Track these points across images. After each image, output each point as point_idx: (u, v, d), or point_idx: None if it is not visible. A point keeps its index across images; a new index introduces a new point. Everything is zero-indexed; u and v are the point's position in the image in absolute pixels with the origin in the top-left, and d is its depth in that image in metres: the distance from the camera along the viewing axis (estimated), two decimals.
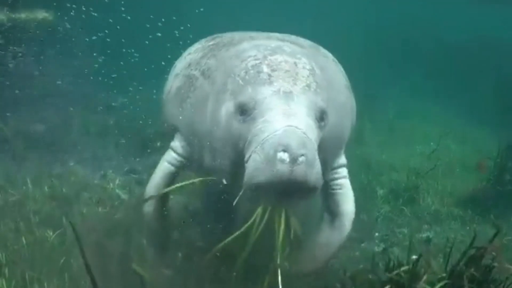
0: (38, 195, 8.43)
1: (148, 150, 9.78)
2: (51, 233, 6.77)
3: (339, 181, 5.19)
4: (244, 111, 4.16)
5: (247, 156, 4.01)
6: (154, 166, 9.49)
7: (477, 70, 19.91)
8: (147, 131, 10.74)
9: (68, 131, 11.47)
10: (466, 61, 20.57)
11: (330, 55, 5.47)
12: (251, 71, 4.25)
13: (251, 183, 3.86)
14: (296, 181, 3.72)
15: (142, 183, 9.06)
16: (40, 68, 12.23)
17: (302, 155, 3.71)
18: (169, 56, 6.16)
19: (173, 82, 5.32)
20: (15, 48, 11.83)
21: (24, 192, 8.55)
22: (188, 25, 7.72)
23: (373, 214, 8.64)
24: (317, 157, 3.90)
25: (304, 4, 27.44)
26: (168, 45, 7.27)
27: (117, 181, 9.17)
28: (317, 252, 5.26)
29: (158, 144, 8.72)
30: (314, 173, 3.81)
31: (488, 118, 15.94)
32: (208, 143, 4.62)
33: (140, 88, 10.79)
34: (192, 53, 5.36)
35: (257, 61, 4.30)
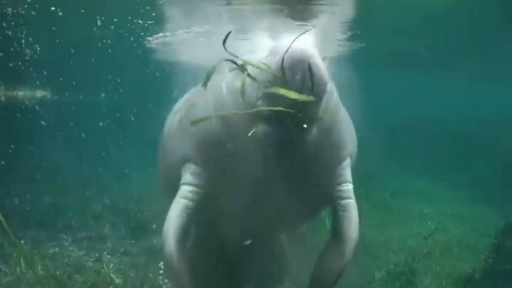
0: (31, 277, 8.32)
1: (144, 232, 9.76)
2: None
3: (343, 202, 5.00)
4: (243, 68, 4.20)
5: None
6: (150, 248, 9.51)
7: (474, 147, 20.07)
8: (143, 212, 10.74)
9: (64, 211, 11.46)
10: (462, 138, 20.78)
11: None
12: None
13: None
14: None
15: (137, 266, 9.01)
16: (37, 146, 12.35)
17: None
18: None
19: (173, 118, 5.40)
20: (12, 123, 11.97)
21: (18, 273, 8.46)
22: None
23: None
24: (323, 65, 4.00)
25: None
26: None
27: (111, 265, 9.07)
28: (319, 276, 5.11)
29: (154, 226, 8.74)
30: (322, 75, 3.95)
31: (486, 196, 15.93)
32: (224, 129, 4.57)
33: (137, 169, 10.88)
34: (191, 93, 5.50)
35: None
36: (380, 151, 17.75)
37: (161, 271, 8.01)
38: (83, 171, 13.45)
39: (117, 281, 8.30)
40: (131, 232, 10.62)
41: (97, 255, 9.75)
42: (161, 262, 8.11)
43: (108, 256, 9.72)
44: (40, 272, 8.64)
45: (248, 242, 5.28)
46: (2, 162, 11.26)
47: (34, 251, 9.56)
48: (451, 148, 20.57)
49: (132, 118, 15.87)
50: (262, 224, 5.21)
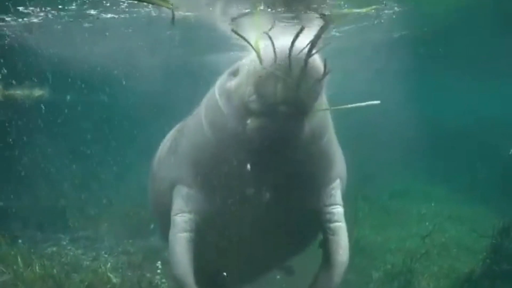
0: (28, 275, 8.34)
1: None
2: None
3: (332, 225, 4.90)
4: (236, 71, 4.22)
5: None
6: (147, 248, 9.52)
7: (473, 149, 20.06)
8: (140, 213, 10.75)
9: (62, 210, 11.47)
10: (461, 140, 20.76)
11: None
12: None
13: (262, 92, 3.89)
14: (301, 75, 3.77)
15: (134, 265, 9.02)
16: (36, 146, 12.33)
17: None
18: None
19: (163, 147, 5.41)
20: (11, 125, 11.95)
21: (15, 272, 8.46)
22: None
23: None
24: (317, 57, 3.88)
25: None
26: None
27: (108, 264, 9.08)
28: None
29: (151, 226, 8.72)
30: (316, 65, 3.83)
31: (483, 198, 15.93)
32: (213, 140, 4.52)
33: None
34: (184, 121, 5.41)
35: None
36: (379, 155, 17.82)
37: (158, 271, 8.00)
38: (80, 172, 13.45)
39: (114, 280, 8.30)
40: (128, 232, 10.61)
41: (94, 254, 9.77)
42: (158, 262, 8.15)
43: (106, 256, 9.74)
44: (38, 271, 8.66)
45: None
46: (0, 162, 11.27)
47: (32, 250, 9.58)
48: (451, 149, 20.58)
49: (130, 119, 15.91)
50: (256, 243, 5.13)
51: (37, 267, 8.77)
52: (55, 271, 8.63)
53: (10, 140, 11.59)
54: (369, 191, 14.76)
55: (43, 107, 12.66)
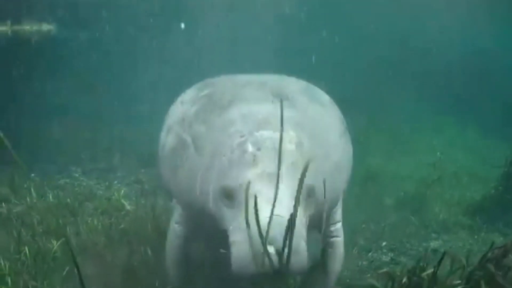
0: (42, 205, 8.39)
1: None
2: (54, 243, 6.67)
3: (331, 240, 5.16)
4: (230, 196, 4.11)
5: (232, 239, 3.99)
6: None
7: (484, 80, 19.86)
8: (151, 143, 10.71)
9: (74, 143, 11.46)
10: (473, 72, 20.52)
11: (323, 98, 5.35)
12: (236, 151, 4.20)
13: (236, 272, 3.86)
14: (282, 271, 3.74)
15: (147, 193, 9.05)
16: (48, 80, 12.26)
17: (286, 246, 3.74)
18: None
19: (167, 138, 5.21)
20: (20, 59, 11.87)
21: (28, 203, 8.53)
22: None
23: (380, 224, 8.56)
24: (302, 242, 3.87)
25: None
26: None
27: (122, 192, 9.12)
28: None
29: None
30: (299, 260, 3.81)
31: (495, 129, 15.83)
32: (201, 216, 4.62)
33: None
34: (185, 104, 5.25)
35: (243, 139, 4.25)
36: (390, 85, 17.68)
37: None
38: (92, 105, 13.39)
39: (128, 207, 8.35)
40: (140, 163, 10.63)
41: (107, 184, 9.82)
42: None
43: (119, 185, 9.78)
44: (51, 200, 8.72)
45: None
46: (11, 97, 11.23)
47: (45, 183, 9.62)
48: (462, 82, 20.36)
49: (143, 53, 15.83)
50: None
51: (50, 197, 8.86)
52: (68, 200, 8.68)
53: (19, 73, 11.54)
54: (379, 121, 14.71)
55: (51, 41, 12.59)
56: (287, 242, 3.68)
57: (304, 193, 3.98)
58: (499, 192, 9.43)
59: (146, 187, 9.62)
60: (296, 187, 3.84)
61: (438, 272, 4.16)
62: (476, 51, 22.84)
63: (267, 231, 3.70)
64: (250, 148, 4.15)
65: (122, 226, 7.52)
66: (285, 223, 3.70)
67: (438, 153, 10.99)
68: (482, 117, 17.03)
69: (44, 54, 12.45)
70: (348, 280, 6.21)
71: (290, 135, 4.26)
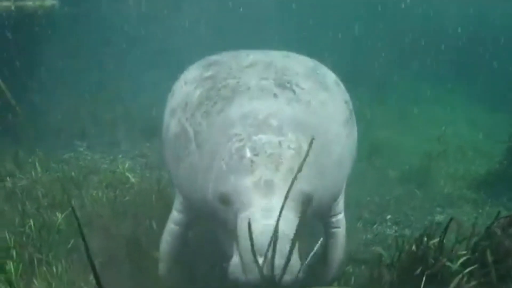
0: (46, 179, 8.41)
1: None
2: (59, 216, 6.70)
3: (332, 231, 5.19)
4: (226, 202, 4.12)
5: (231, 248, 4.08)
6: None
7: (488, 56, 19.71)
8: (156, 117, 10.69)
9: (78, 118, 11.45)
10: (477, 48, 20.38)
11: (329, 81, 5.22)
12: (235, 156, 4.17)
13: (231, 279, 3.95)
14: (273, 281, 3.79)
15: (151, 167, 9.06)
16: (52, 56, 12.17)
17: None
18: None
19: (170, 121, 5.11)
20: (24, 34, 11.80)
21: (33, 177, 8.55)
22: None
23: (385, 197, 8.57)
24: (294, 254, 3.88)
25: None
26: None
27: (126, 165, 9.13)
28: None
29: None
30: (291, 271, 3.84)
31: (499, 104, 15.75)
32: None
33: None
34: (188, 84, 5.13)
35: (241, 143, 4.21)
36: (394, 59, 17.58)
37: None
38: (95, 80, 13.33)
39: (133, 180, 8.36)
40: (144, 137, 10.61)
41: (111, 158, 9.83)
42: None
43: (123, 159, 9.79)
44: (56, 174, 8.73)
45: None
46: (16, 72, 11.18)
47: (50, 157, 9.62)
48: (466, 57, 20.24)
49: (148, 28, 15.72)
50: None
51: (55, 171, 8.87)
52: (73, 173, 8.70)
53: (23, 49, 11.48)
54: (384, 96, 14.66)
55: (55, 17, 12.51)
56: (276, 252, 3.72)
57: (299, 200, 4.04)
58: (503, 167, 9.45)
59: (150, 160, 9.63)
60: (293, 196, 3.90)
61: (444, 242, 4.16)
62: (481, 25, 22.68)
63: (260, 242, 3.73)
64: (248, 153, 4.12)
65: (126, 198, 7.57)
66: (279, 233, 3.73)
67: (443, 127, 10.95)
68: (487, 92, 16.95)
69: (47, 28, 12.36)
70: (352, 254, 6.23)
71: (289, 138, 4.23)
